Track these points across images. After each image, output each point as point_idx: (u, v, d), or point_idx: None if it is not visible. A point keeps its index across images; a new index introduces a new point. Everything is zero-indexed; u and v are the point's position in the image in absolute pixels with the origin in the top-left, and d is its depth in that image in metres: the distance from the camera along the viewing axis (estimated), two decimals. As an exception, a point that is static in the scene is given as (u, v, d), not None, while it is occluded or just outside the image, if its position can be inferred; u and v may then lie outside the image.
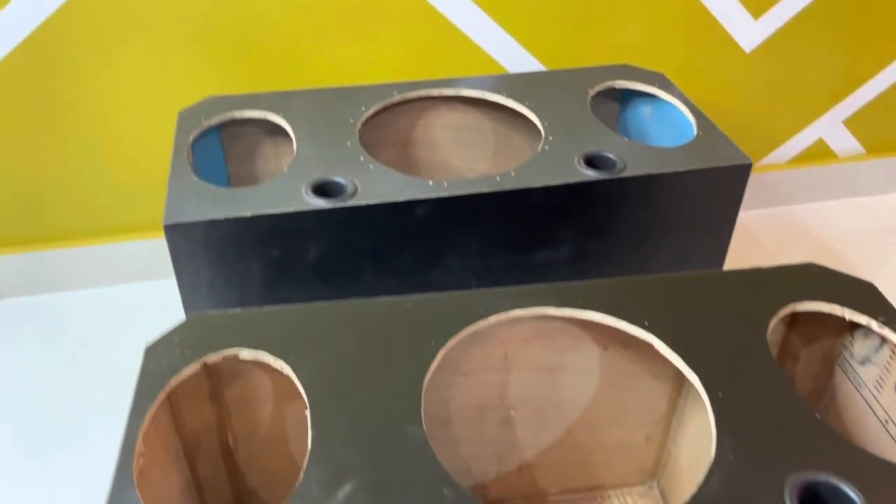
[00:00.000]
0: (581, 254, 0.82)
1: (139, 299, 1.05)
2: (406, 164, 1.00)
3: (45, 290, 1.04)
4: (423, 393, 0.54)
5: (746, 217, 1.23)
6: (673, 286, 0.64)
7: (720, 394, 0.54)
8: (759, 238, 1.20)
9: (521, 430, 0.73)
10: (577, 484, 0.77)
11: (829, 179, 1.24)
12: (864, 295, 0.63)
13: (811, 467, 0.49)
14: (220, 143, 0.91)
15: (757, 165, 1.21)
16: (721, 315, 0.61)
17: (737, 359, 0.57)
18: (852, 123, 1.20)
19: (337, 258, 0.76)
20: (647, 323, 0.60)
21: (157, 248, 1.00)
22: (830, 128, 1.20)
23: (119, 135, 0.96)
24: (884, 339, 0.62)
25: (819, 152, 1.22)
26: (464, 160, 1.01)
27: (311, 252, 0.75)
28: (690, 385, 0.70)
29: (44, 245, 1.02)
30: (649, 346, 0.68)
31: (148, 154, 0.97)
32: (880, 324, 0.60)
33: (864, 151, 1.24)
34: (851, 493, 0.47)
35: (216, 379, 0.62)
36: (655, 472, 0.78)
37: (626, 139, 0.83)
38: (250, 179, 0.94)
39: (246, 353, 0.57)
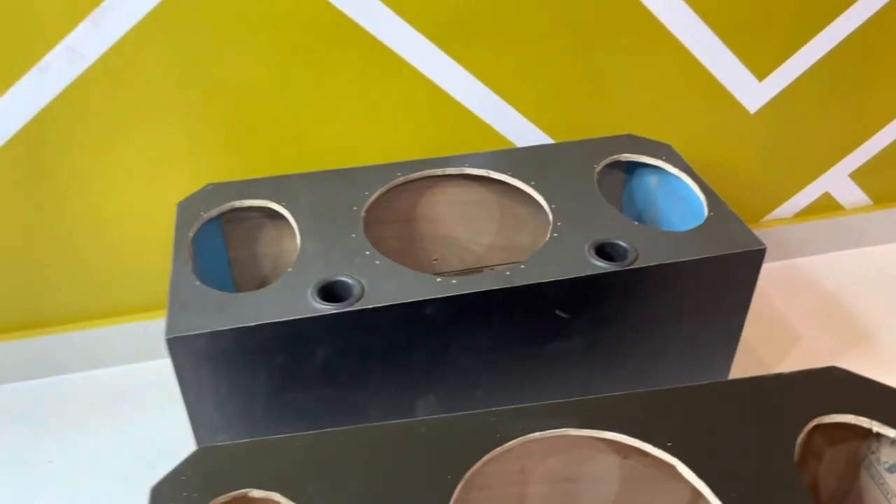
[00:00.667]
0: (593, 343, 0.80)
1: (138, 379, 1.02)
2: (410, 238, 0.98)
3: (43, 375, 1.02)
4: (442, 537, 0.52)
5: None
6: (694, 399, 0.62)
7: (749, 526, 0.52)
8: (767, 292, 1.18)
9: (539, 539, 0.71)
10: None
11: (835, 231, 1.23)
12: (889, 401, 0.61)
13: None
14: (221, 229, 0.89)
15: (763, 220, 1.20)
16: (744, 432, 0.59)
17: (761, 483, 0.55)
18: (858, 176, 1.19)
19: (344, 360, 0.74)
20: (669, 444, 0.58)
21: (156, 328, 0.98)
22: (836, 181, 1.19)
23: (118, 221, 0.94)
24: (913, 452, 0.60)
25: (826, 205, 1.21)
26: (468, 232, 1.00)
27: (317, 356, 0.73)
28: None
29: (42, 330, 0.99)
30: (671, 457, 0.66)
31: (147, 239, 0.95)
32: (910, 438, 0.58)
33: (870, 203, 1.23)
34: None
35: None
36: (676, 568, 0.76)
37: (635, 223, 0.81)
38: (251, 262, 0.92)
39: (256, 493, 0.55)
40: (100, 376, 1.03)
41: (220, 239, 0.89)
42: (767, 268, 1.23)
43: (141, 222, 0.94)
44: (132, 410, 0.97)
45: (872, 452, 0.65)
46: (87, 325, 1.00)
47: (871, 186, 1.21)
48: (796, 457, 0.57)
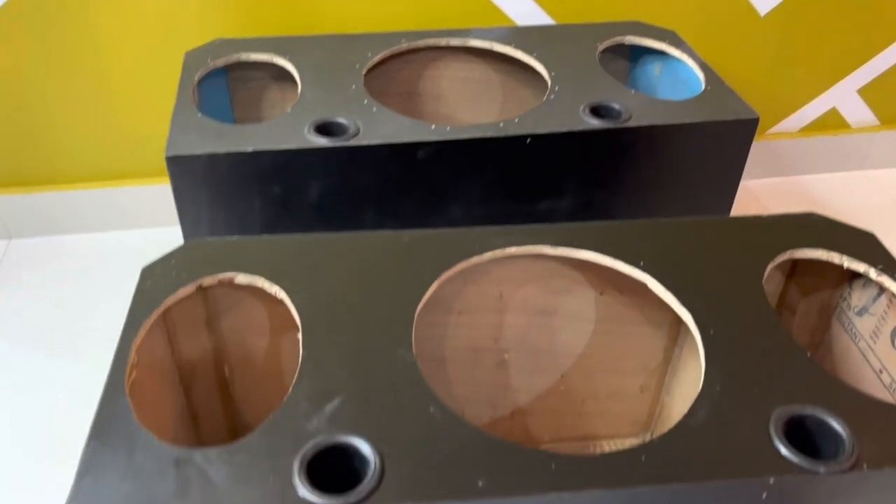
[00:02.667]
0: (584, 205, 0.82)
1: (141, 245, 1.05)
2: (411, 115, 0.99)
3: (51, 233, 1.05)
4: (414, 319, 0.54)
5: (754, 185, 1.22)
6: (671, 230, 0.63)
7: (711, 331, 0.54)
8: (767, 207, 1.19)
9: (515, 375, 0.73)
10: (571, 433, 0.78)
11: (840, 150, 1.23)
12: (864, 245, 0.62)
13: (799, 401, 0.49)
14: (227, 87, 0.91)
15: (767, 133, 1.20)
16: (718, 259, 0.60)
17: (731, 300, 0.57)
18: (867, 93, 1.19)
19: (337, 199, 0.76)
20: (642, 264, 0.60)
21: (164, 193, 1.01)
22: (844, 97, 1.19)
23: (125, 76, 0.96)
24: (882, 288, 0.61)
25: (832, 122, 1.21)
26: (470, 113, 1.01)
27: (312, 191, 0.75)
28: (686, 333, 0.70)
29: (51, 186, 1.03)
30: (645, 292, 0.68)
31: (153, 97, 0.98)
32: (878, 271, 0.59)
33: (878, 122, 1.23)
34: (838, 427, 0.47)
35: (213, 306, 0.63)
36: (649, 423, 0.78)
37: (632, 91, 0.82)
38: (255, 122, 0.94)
39: (242, 278, 0.57)
40: (107, 239, 1.06)
41: (226, 98, 0.92)
42: (768, 182, 1.24)
43: (149, 80, 0.97)
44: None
45: (844, 299, 0.66)
46: (94, 186, 1.03)
47: (879, 105, 1.21)
48: (771, 302, 0.58)
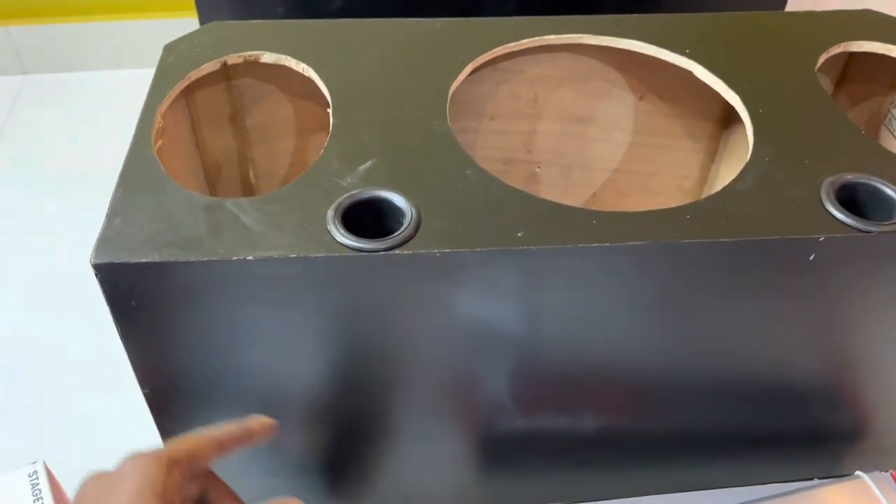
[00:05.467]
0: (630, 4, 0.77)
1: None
2: None
3: (68, 68, 1.03)
4: (449, 95, 0.52)
5: None
6: (720, 22, 0.60)
7: (761, 110, 0.51)
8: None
9: (546, 189, 0.71)
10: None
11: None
12: (923, 41, 0.59)
13: (853, 171, 0.47)
14: None
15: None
16: (769, 49, 0.57)
17: (782, 84, 0.54)
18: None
19: (364, 6, 0.72)
20: (688, 51, 0.57)
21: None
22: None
23: None
24: (939, 84, 0.58)
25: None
26: None
27: (337, -4, 0.71)
28: (724, 150, 0.68)
29: (68, 18, 0.99)
30: (686, 99, 0.65)
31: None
32: (938, 62, 0.56)
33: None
34: (891, 193, 0.45)
35: (237, 100, 0.61)
36: (679, 249, 0.76)
37: None
38: None
39: (268, 57, 0.55)
40: (126, 76, 1.04)
41: None
42: None
43: None
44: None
45: (894, 105, 0.63)
46: (114, 18, 1.00)
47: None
48: (817, 69, 0.55)
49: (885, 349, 0.51)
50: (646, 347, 0.49)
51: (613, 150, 0.69)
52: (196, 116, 0.59)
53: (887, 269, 0.45)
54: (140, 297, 0.41)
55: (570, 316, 0.46)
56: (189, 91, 0.57)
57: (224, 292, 0.42)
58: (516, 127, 0.67)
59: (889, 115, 0.64)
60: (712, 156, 0.69)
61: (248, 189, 0.67)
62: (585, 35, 0.58)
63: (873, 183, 0.46)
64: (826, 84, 0.66)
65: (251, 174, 0.66)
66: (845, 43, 0.58)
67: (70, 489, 0.60)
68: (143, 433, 0.65)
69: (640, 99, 0.65)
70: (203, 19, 0.72)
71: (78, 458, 0.63)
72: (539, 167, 0.70)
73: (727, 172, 0.68)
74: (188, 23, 0.97)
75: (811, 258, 0.44)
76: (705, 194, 0.71)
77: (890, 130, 0.64)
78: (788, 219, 0.44)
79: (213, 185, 0.64)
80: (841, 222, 0.43)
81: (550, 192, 0.71)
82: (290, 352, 0.46)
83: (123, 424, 0.66)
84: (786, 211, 0.44)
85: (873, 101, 0.65)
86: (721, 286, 0.45)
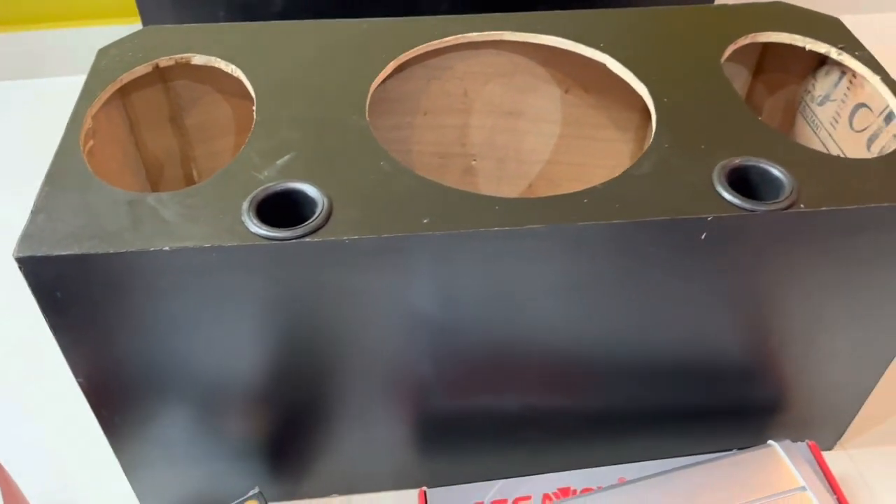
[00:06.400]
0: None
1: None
2: None
3: (29, 75, 1.04)
4: (370, 92, 0.54)
5: None
6: (634, 17, 0.63)
7: (665, 99, 0.54)
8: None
9: (483, 182, 0.74)
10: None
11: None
12: (829, 30, 0.62)
13: (745, 154, 0.49)
14: None
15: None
16: (679, 41, 0.60)
17: (688, 74, 0.56)
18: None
19: (305, 9, 0.75)
20: (602, 45, 0.59)
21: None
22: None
23: None
24: (843, 71, 0.61)
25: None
26: None
27: (277, 1, 0.74)
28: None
29: (28, 26, 1.01)
30: (611, 90, 0.68)
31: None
32: (839, 51, 0.59)
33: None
34: (779, 174, 0.48)
35: (175, 101, 0.63)
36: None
37: None
38: None
39: (198, 59, 0.57)
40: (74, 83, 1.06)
41: None
42: None
43: None
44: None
45: (807, 92, 0.66)
46: (74, 25, 1.02)
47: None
48: (724, 60, 0.58)
49: (790, 323, 0.54)
50: (560, 327, 0.52)
51: (544, 143, 0.71)
52: (134, 118, 0.61)
53: (781, 245, 0.48)
54: (65, 289, 0.43)
55: (481, 298, 0.49)
56: (125, 93, 0.59)
57: (146, 282, 0.44)
58: (449, 121, 0.69)
59: (803, 103, 0.67)
60: (641, 144, 0.72)
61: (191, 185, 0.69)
62: (506, 32, 0.61)
63: (762, 165, 0.49)
64: (744, 74, 0.69)
65: (194, 172, 0.68)
66: (753, 34, 0.61)
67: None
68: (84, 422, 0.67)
69: (566, 92, 0.68)
70: (147, 24, 0.74)
71: (20, 449, 0.66)
72: (475, 160, 0.72)
73: (656, 161, 0.70)
74: (134, 28, 1.00)
75: (703, 237, 0.47)
76: (637, 183, 0.74)
77: (805, 118, 0.67)
78: (679, 201, 0.46)
79: (155, 183, 0.66)
80: (729, 202, 0.46)
81: (487, 184, 0.74)
82: (217, 339, 0.48)
83: (67, 413, 0.68)
84: (678, 193, 0.47)
85: (789, 90, 0.68)
86: (621, 267, 0.48)
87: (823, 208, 0.46)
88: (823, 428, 0.64)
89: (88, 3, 1.01)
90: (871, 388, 0.61)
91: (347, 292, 0.47)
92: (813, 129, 0.65)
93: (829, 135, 0.63)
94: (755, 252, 0.48)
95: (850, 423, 0.65)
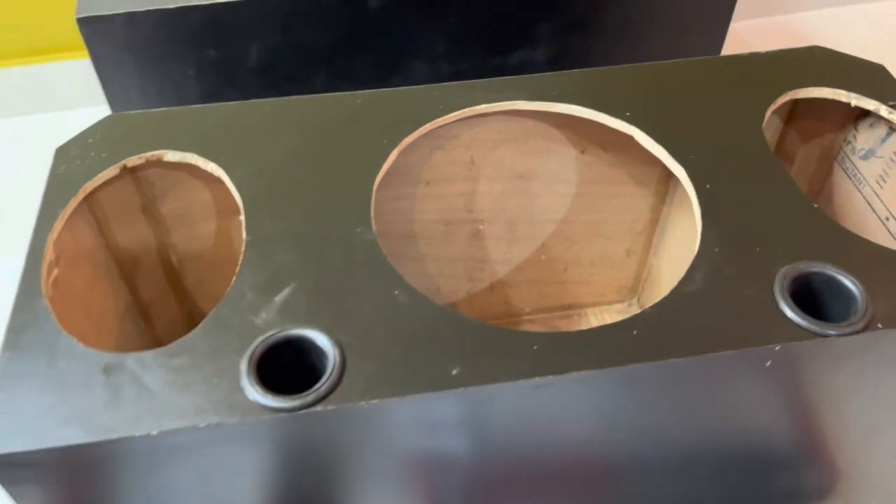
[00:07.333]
0: (560, 54, 0.73)
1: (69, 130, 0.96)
2: None
3: None
4: (373, 192, 0.47)
5: (742, 28, 1.13)
6: (657, 74, 0.56)
7: (708, 185, 0.48)
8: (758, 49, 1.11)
9: (492, 245, 0.68)
10: (553, 303, 0.73)
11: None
12: (873, 79, 0.55)
13: (806, 258, 0.44)
14: None
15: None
16: (712, 103, 0.54)
17: (727, 148, 0.50)
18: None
19: (284, 60, 0.67)
20: (628, 114, 0.53)
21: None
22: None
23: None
24: (892, 127, 0.55)
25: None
26: None
27: (253, 53, 0.66)
28: (675, 190, 0.64)
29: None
30: (630, 146, 0.61)
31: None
32: (890, 108, 0.53)
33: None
34: (849, 284, 0.42)
35: (147, 191, 0.56)
36: (635, 288, 0.74)
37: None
38: None
39: (172, 155, 0.50)
40: (29, 123, 0.97)
41: None
42: (757, 24, 1.15)
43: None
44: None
45: (848, 143, 0.60)
46: (11, 64, 0.93)
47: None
48: (765, 131, 0.52)
49: (847, 426, 0.49)
50: (601, 447, 0.46)
51: (558, 202, 0.65)
52: (102, 216, 0.54)
53: (850, 361, 0.43)
54: (32, 480, 0.37)
55: (513, 432, 0.43)
56: (90, 195, 0.52)
57: (128, 464, 0.38)
58: (454, 189, 0.62)
59: (842, 154, 0.61)
60: (663, 197, 0.66)
61: (171, 274, 0.62)
62: (519, 102, 0.54)
63: (829, 272, 0.43)
64: (775, 122, 0.63)
65: (173, 259, 0.61)
66: (793, 91, 0.55)
67: None
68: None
69: (582, 152, 0.61)
70: (106, 83, 0.66)
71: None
72: (482, 224, 0.66)
73: (679, 213, 0.65)
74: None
75: (767, 364, 0.41)
76: (658, 234, 0.68)
77: (844, 170, 0.61)
78: (741, 327, 0.41)
79: (130, 278, 0.59)
80: (796, 325, 0.41)
81: (497, 247, 0.68)
82: (216, 500, 0.42)
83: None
84: (738, 316, 0.41)
85: (825, 138, 0.62)
86: (673, 395, 0.42)
87: (903, 327, 0.41)
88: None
89: (29, 38, 0.92)
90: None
91: (363, 447, 0.41)
92: (855, 184, 0.60)
93: (875, 193, 0.57)
94: (820, 371, 0.43)
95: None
